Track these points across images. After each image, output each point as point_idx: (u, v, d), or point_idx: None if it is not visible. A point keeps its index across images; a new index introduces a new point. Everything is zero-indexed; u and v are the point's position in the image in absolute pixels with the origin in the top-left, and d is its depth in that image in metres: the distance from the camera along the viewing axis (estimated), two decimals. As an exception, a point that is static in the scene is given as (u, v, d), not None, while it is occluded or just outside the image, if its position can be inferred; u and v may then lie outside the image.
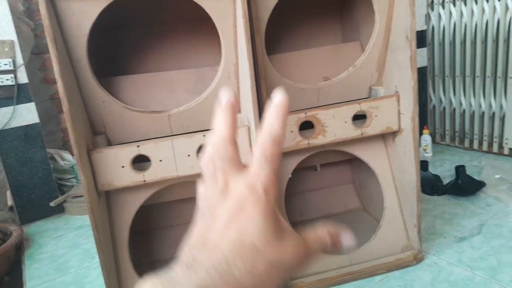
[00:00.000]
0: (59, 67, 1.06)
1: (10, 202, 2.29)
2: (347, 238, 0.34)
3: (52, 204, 2.32)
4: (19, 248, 2.07)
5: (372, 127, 1.43)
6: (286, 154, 1.44)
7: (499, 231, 1.68)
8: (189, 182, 1.38)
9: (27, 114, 2.22)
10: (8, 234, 1.99)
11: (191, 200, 1.71)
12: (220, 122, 0.34)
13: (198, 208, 0.33)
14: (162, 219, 1.72)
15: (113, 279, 1.32)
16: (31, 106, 2.22)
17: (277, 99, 0.32)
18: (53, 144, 2.55)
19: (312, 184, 1.95)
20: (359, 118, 1.45)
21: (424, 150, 2.63)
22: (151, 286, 0.27)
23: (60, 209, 2.40)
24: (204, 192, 0.34)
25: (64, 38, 1.11)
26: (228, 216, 0.30)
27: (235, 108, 0.34)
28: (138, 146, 1.23)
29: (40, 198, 2.34)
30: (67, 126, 1.10)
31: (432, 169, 2.33)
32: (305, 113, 1.37)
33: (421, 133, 2.61)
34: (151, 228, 1.73)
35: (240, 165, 0.32)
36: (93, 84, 1.20)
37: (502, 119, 2.38)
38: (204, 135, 1.25)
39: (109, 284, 1.26)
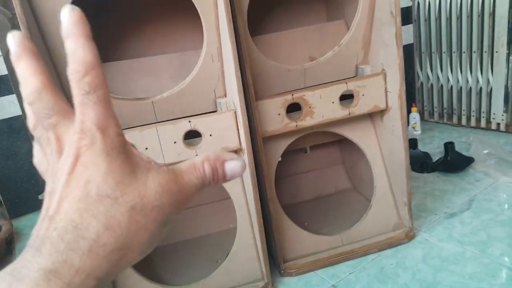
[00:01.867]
0: (36, 56, 1.02)
1: (-3, 196, 2.26)
2: (231, 164, 0.28)
3: (40, 197, 2.29)
4: (10, 243, 2.04)
5: (359, 107, 1.41)
6: (274, 138, 1.42)
7: (488, 206, 1.70)
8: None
9: (9, 106, 2.16)
10: (-3, 229, 1.96)
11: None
12: (22, 71, 0.27)
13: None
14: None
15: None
16: (13, 98, 2.17)
17: (65, 17, 0.25)
18: (38, 136, 2.50)
19: (302, 166, 1.94)
20: (346, 98, 1.43)
21: (413, 128, 2.63)
22: None
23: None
24: (45, 165, 0.28)
25: (38, 26, 1.07)
26: (65, 173, 0.24)
27: (31, 48, 0.28)
28: (122, 134, 1.20)
29: (29, 192, 2.31)
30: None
31: (421, 147, 2.34)
32: (292, 95, 1.35)
33: (409, 111, 2.61)
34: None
35: (66, 110, 0.27)
36: (73, 73, 1.17)
37: (489, 94, 2.39)
38: (189, 121, 1.22)
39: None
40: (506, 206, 1.68)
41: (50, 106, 0.26)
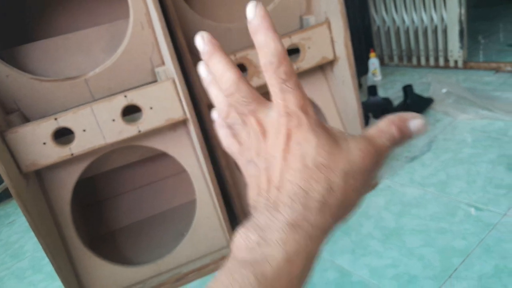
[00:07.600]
0: None
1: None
2: (415, 122, 0.30)
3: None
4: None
5: (306, 60, 1.36)
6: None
7: (447, 145, 1.70)
8: (129, 147, 1.30)
9: None
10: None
11: (135, 165, 1.64)
12: (216, 66, 0.30)
13: (241, 164, 0.33)
14: (109, 188, 1.65)
15: (63, 259, 1.26)
16: None
17: (252, 13, 0.28)
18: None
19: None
20: (294, 52, 1.37)
21: (373, 74, 2.59)
22: (242, 236, 0.27)
23: (7, 195, 2.28)
24: (237, 146, 0.33)
25: None
26: (280, 151, 0.28)
27: (219, 45, 0.31)
28: (55, 118, 1.12)
29: None
30: (-35, 110, 0.98)
31: (383, 92, 2.32)
32: (235, 55, 1.28)
33: (368, 57, 2.57)
34: (100, 199, 1.66)
35: (260, 97, 0.30)
36: (-11, 58, 1.07)
37: (445, 32, 2.36)
38: (125, 96, 1.15)
39: (58, 266, 1.21)
40: (464, 144, 1.68)
41: (248, 94, 0.30)
